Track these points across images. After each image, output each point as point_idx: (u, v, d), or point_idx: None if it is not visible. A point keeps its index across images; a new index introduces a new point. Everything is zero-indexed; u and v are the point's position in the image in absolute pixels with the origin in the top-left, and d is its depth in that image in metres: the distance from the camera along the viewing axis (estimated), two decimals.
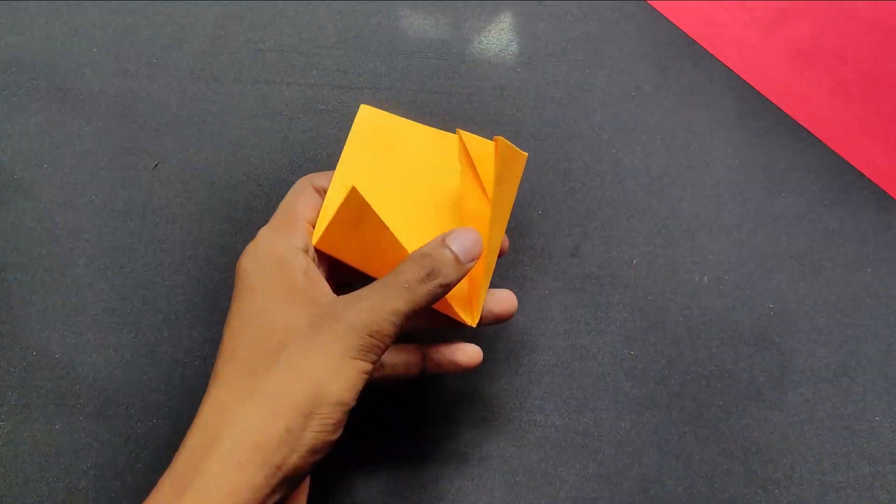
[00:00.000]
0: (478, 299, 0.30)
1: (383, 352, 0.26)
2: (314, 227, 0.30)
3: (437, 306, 0.29)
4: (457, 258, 0.27)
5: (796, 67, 0.44)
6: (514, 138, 0.41)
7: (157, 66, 0.41)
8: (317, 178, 0.31)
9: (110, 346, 0.36)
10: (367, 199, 0.28)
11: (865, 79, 0.44)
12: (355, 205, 0.27)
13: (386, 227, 0.28)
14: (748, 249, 0.40)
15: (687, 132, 0.42)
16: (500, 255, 0.32)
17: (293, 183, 0.39)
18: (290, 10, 0.43)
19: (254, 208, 0.39)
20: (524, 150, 0.30)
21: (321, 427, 0.24)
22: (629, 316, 0.38)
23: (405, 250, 0.28)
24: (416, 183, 0.31)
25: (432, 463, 0.35)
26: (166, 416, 0.35)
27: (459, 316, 0.30)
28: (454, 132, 0.31)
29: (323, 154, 0.40)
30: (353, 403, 0.25)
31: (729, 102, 0.43)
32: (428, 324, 0.32)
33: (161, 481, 0.24)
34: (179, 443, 0.34)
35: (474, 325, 0.30)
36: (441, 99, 0.42)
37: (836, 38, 0.45)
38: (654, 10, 0.45)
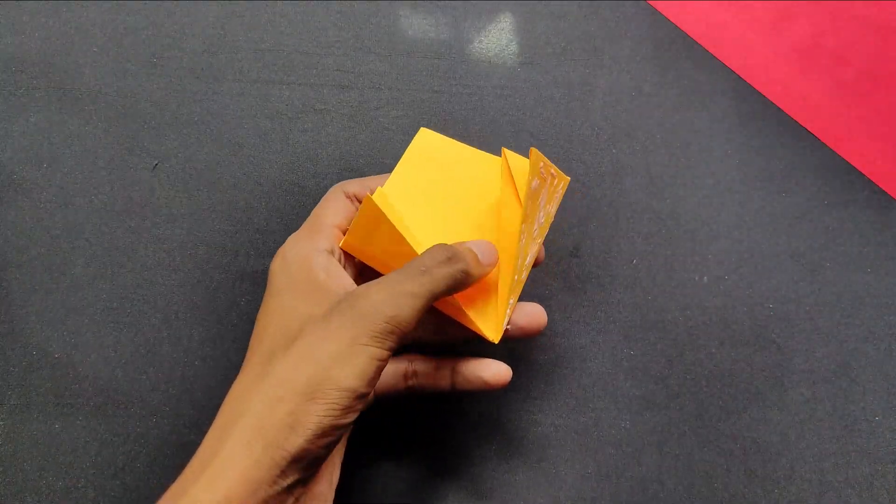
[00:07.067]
0: (501, 315, 0.30)
1: (400, 339, 0.26)
2: (343, 231, 0.31)
3: (459, 319, 0.30)
4: (476, 256, 0.28)
5: (796, 67, 0.44)
6: (514, 138, 0.41)
7: (157, 66, 0.41)
8: (349, 185, 0.32)
9: (110, 346, 0.36)
10: (405, 212, 0.30)
11: (865, 79, 0.44)
12: (370, 212, 0.29)
13: (401, 236, 0.29)
14: (748, 249, 0.40)
15: (687, 132, 0.42)
16: (535, 265, 0.33)
17: (293, 183, 0.39)
18: (290, 10, 0.43)
19: (254, 208, 0.39)
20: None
21: (327, 412, 0.24)
22: (629, 316, 0.38)
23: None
24: (459, 203, 0.33)
25: (432, 463, 0.35)
26: (166, 415, 0.35)
27: (481, 330, 0.30)
28: (499, 153, 0.33)
29: (323, 154, 0.40)
30: (363, 390, 0.25)
31: (729, 102, 0.43)
32: (456, 335, 0.32)
33: (185, 468, 0.25)
34: (178, 442, 0.34)
35: (496, 342, 0.30)
36: (441, 99, 0.42)
37: (836, 38, 0.45)
38: (654, 10, 0.45)
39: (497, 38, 0.44)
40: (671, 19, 0.45)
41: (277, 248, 0.38)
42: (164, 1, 0.43)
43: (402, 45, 0.43)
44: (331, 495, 0.28)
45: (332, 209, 0.31)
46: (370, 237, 0.30)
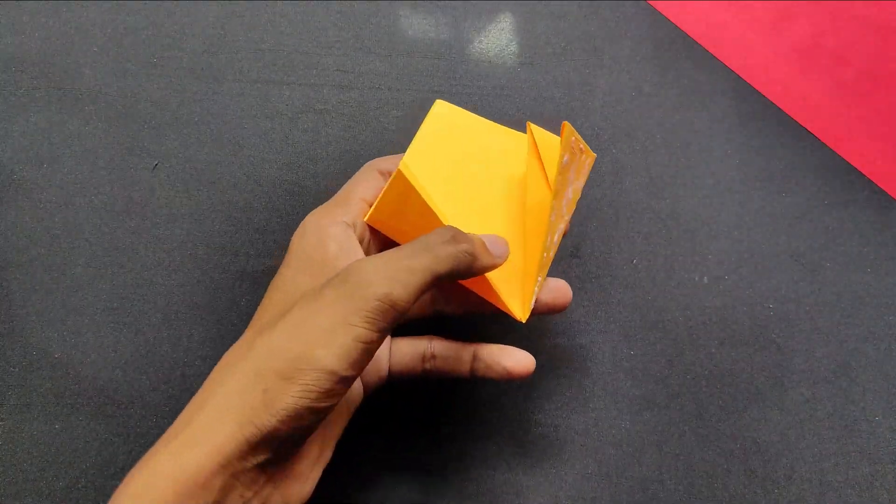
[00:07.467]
0: (529, 293, 0.29)
1: (394, 320, 0.24)
2: (371, 206, 0.31)
3: (487, 297, 0.29)
4: (484, 244, 0.27)
5: (796, 67, 0.44)
6: None
7: (157, 66, 0.41)
8: (383, 162, 0.32)
9: (110, 346, 0.36)
10: (428, 186, 0.29)
11: (865, 79, 0.44)
12: (401, 185, 0.28)
13: (430, 210, 0.28)
14: (748, 249, 0.40)
15: (687, 132, 0.42)
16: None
17: (293, 183, 0.39)
18: (290, 10, 0.43)
19: (254, 208, 0.39)
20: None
21: (303, 393, 0.23)
22: (629, 316, 0.38)
23: None
24: (481, 176, 0.32)
25: (432, 462, 0.35)
26: (166, 415, 0.35)
27: (509, 308, 0.29)
28: (525, 129, 0.32)
29: (323, 153, 0.40)
30: (345, 373, 0.23)
31: (729, 102, 0.43)
32: (481, 308, 0.31)
33: (163, 434, 0.25)
34: None
35: (523, 321, 0.29)
36: (441, 99, 0.42)
37: (836, 38, 0.45)
38: (654, 10, 0.45)
39: (497, 38, 0.44)
40: (671, 19, 0.45)
41: (277, 248, 0.38)
42: (164, 1, 0.43)
43: (402, 45, 0.43)
44: (314, 474, 0.27)
45: (364, 184, 0.30)
46: (398, 210, 0.29)
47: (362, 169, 0.32)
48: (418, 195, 0.28)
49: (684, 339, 0.38)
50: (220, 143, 0.40)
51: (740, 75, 0.44)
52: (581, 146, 0.30)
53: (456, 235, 0.26)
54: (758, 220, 0.40)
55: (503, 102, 0.42)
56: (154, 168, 0.39)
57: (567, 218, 0.32)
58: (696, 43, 0.44)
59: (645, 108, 0.42)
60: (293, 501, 0.26)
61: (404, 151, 0.31)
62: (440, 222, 0.28)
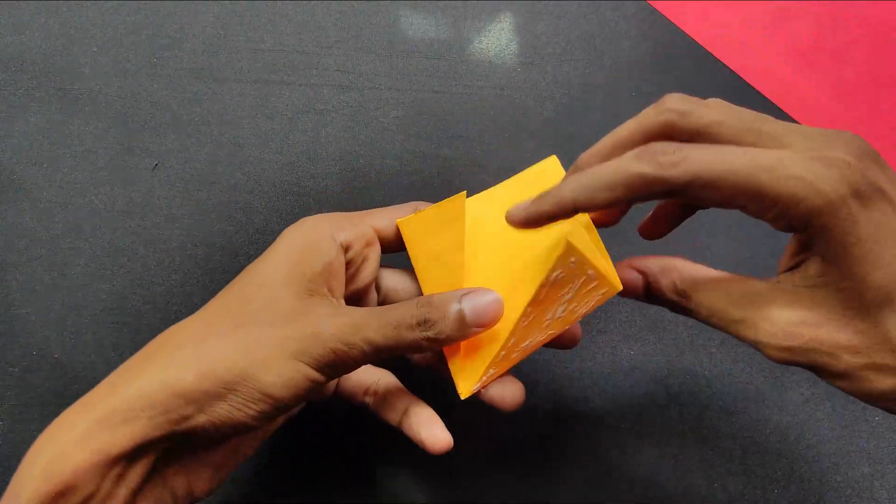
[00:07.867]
0: (481, 374, 0.27)
1: (343, 371, 0.25)
2: (381, 236, 0.30)
3: (446, 354, 0.28)
4: (462, 317, 0.25)
5: (796, 67, 0.44)
6: (515, 138, 0.41)
7: (157, 66, 0.41)
8: (424, 205, 0.31)
9: (110, 346, 0.36)
10: (475, 229, 0.28)
11: (865, 79, 0.44)
12: (455, 208, 0.28)
13: (461, 247, 0.28)
14: (749, 249, 0.40)
15: None
16: (566, 347, 0.30)
17: (293, 183, 0.40)
18: (290, 10, 0.43)
19: (254, 208, 0.39)
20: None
21: (240, 407, 0.24)
22: (629, 316, 0.38)
23: (460, 280, 0.28)
24: (526, 243, 0.30)
25: (430, 463, 0.35)
26: None
27: (455, 379, 0.28)
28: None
29: (323, 154, 0.40)
30: (286, 402, 0.24)
31: (729, 102, 0.43)
32: (432, 365, 0.31)
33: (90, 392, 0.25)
34: None
35: (461, 398, 0.27)
36: (441, 99, 0.42)
37: (836, 38, 0.45)
38: (654, 10, 0.45)
39: (497, 38, 0.44)
40: (671, 19, 0.45)
41: None
42: (164, 1, 0.43)
43: (402, 45, 0.43)
44: (226, 467, 0.27)
45: (391, 211, 0.30)
46: (432, 229, 0.29)
47: (408, 203, 0.31)
48: (461, 229, 0.27)
49: (684, 339, 0.38)
50: (220, 143, 0.40)
51: (740, 75, 0.44)
52: (589, 271, 0.26)
53: (425, 321, 0.25)
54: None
55: (503, 102, 0.42)
56: (154, 168, 0.39)
57: (551, 332, 0.28)
58: (696, 43, 0.44)
59: (645, 107, 0.42)
60: (197, 489, 0.26)
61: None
62: (460, 266, 0.28)
